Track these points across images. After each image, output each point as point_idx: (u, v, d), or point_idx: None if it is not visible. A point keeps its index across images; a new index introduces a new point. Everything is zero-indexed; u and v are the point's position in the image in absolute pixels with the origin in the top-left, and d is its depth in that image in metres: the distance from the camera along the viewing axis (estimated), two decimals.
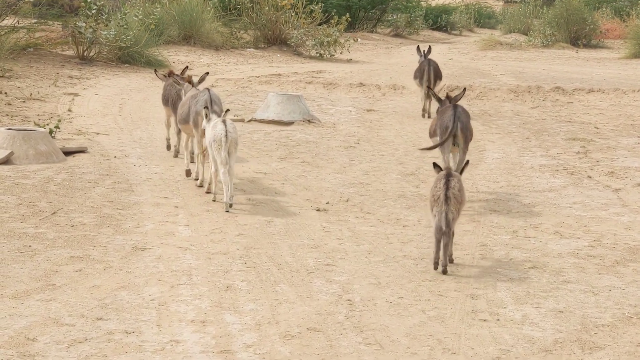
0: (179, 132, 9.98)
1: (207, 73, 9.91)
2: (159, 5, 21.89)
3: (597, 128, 13.32)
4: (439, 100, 8.81)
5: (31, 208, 7.58)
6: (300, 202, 8.33)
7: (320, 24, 25.29)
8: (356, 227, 7.54)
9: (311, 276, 6.13)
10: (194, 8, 22.39)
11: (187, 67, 11.33)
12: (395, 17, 38.14)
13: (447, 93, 9.49)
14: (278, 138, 11.72)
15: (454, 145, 8.35)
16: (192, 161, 9.26)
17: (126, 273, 6.03)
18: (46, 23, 18.86)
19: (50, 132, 10.41)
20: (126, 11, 19.40)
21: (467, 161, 6.71)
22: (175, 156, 10.17)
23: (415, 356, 4.85)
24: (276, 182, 9.10)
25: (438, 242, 6.23)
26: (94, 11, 17.98)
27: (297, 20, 25.01)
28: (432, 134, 8.76)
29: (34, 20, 18.41)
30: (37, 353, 4.68)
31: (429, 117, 13.93)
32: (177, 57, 20.36)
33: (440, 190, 6.23)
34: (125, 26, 18.47)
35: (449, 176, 6.32)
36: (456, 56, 27.04)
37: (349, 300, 5.67)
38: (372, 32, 36.29)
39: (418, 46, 15.08)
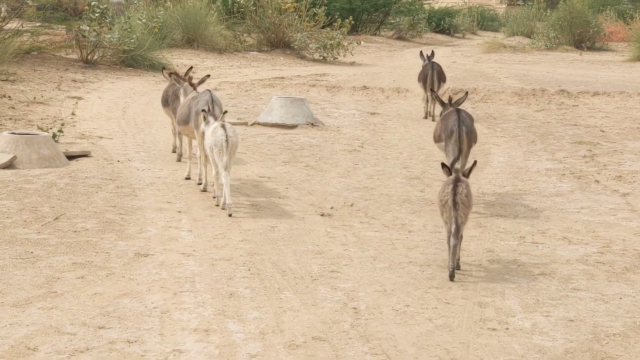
0: (178, 133, 9.92)
1: (208, 75, 9.83)
2: (162, 9, 21.86)
3: (603, 131, 13.22)
4: (442, 103, 8.73)
5: (33, 213, 7.51)
6: (304, 206, 8.24)
7: (323, 27, 25.25)
8: (361, 232, 7.45)
9: (316, 283, 6.03)
10: (198, 11, 22.37)
11: (191, 67, 11.22)
12: (398, 19, 38.15)
13: (449, 97, 9.42)
14: (281, 141, 11.65)
15: (459, 150, 8.25)
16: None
17: (129, 280, 5.94)
18: (50, 26, 18.82)
19: (54, 136, 10.34)
20: (130, 15, 19.35)
21: (475, 162, 6.60)
22: (179, 160, 10.10)
23: None
24: (280, 186, 9.01)
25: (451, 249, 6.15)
26: (97, 15, 17.94)
27: (300, 23, 24.96)
28: (437, 139, 8.68)
29: (37, 24, 18.37)
30: None
31: (433, 120, 13.85)
32: (181, 61, 20.29)
33: (447, 196, 6.16)
34: (129, 30, 18.43)
35: (457, 181, 6.25)
36: (460, 59, 26.97)
37: (354, 308, 5.57)
38: (375, 35, 36.26)
39: (421, 51, 14.99)
